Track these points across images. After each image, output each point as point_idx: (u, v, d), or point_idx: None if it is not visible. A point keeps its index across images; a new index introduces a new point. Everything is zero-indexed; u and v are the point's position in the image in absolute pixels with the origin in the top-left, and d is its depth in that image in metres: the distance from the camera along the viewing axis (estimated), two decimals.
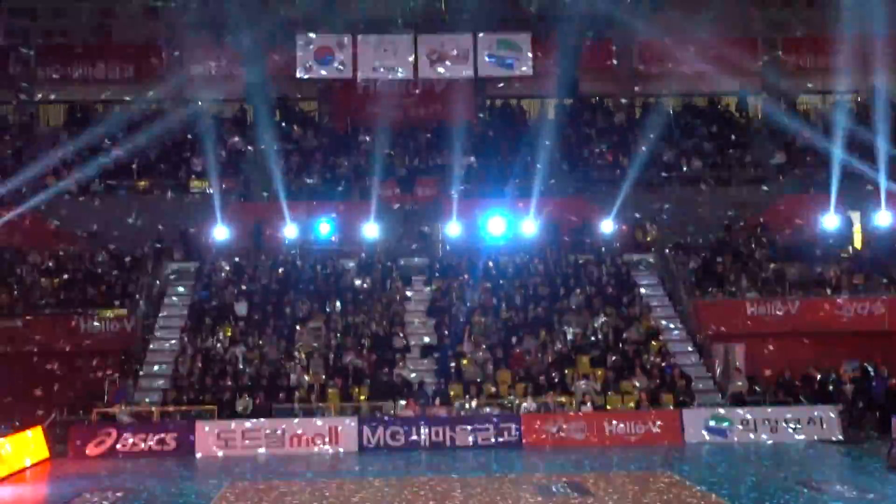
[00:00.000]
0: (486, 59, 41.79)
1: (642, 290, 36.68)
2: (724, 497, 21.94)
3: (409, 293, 36.50)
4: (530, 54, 41.57)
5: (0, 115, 43.77)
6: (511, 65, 42.07)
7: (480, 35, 41.04)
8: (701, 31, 38.66)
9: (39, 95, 44.00)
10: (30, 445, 29.24)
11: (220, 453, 29.60)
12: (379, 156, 37.71)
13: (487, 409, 31.13)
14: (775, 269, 36.24)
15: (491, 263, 36.94)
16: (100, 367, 32.80)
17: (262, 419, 30.38)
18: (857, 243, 39.00)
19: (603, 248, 37.60)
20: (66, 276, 35.78)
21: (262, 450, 29.59)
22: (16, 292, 34.78)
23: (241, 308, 34.43)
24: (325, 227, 37.29)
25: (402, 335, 34.13)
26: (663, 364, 33.10)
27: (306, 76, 41.45)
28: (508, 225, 37.44)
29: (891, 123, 38.74)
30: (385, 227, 36.97)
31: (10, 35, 39.82)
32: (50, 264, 36.29)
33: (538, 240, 37.47)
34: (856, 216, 39.41)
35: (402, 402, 31.01)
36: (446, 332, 34.02)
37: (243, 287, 35.47)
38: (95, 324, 34.00)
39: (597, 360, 33.01)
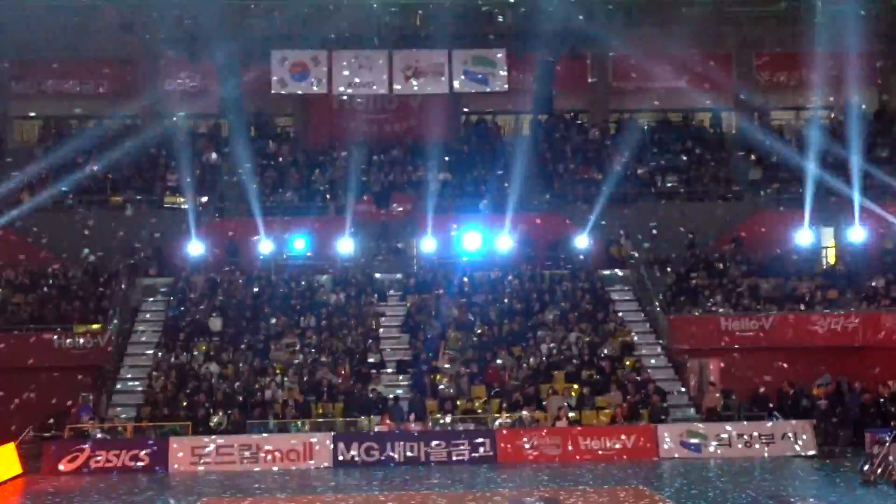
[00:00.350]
0: (461, 75, 41.90)
1: (617, 306, 36.78)
2: None
3: (383, 309, 36.47)
4: (505, 71, 41.65)
5: None
6: (486, 81, 42.15)
7: (455, 51, 41.14)
8: (674, 48, 38.81)
9: (12, 110, 43.91)
10: (2, 462, 29.21)
11: (194, 469, 29.60)
12: (354, 171, 37.75)
13: (462, 425, 31.22)
14: (749, 285, 36.39)
15: (466, 279, 37.06)
16: (74, 383, 32.74)
17: (236, 435, 30.41)
18: (831, 259, 39.19)
19: (578, 264, 37.67)
20: (39, 292, 35.66)
21: (236, 466, 29.60)
22: None
23: (216, 324, 34.47)
24: (299, 243, 37.35)
25: (376, 351, 34.15)
26: (638, 379, 33.20)
27: (282, 92, 41.46)
28: (483, 240, 37.58)
29: (863, 139, 38.96)
30: (360, 243, 37.07)
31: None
32: (24, 280, 36.17)
33: (513, 255, 37.63)
34: (829, 232, 39.60)
35: (377, 418, 31.08)
36: (421, 348, 34.07)
37: (217, 303, 35.47)
38: (69, 340, 33.97)
39: (572, 375, 33.14)
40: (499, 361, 33.61)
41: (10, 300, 35.19)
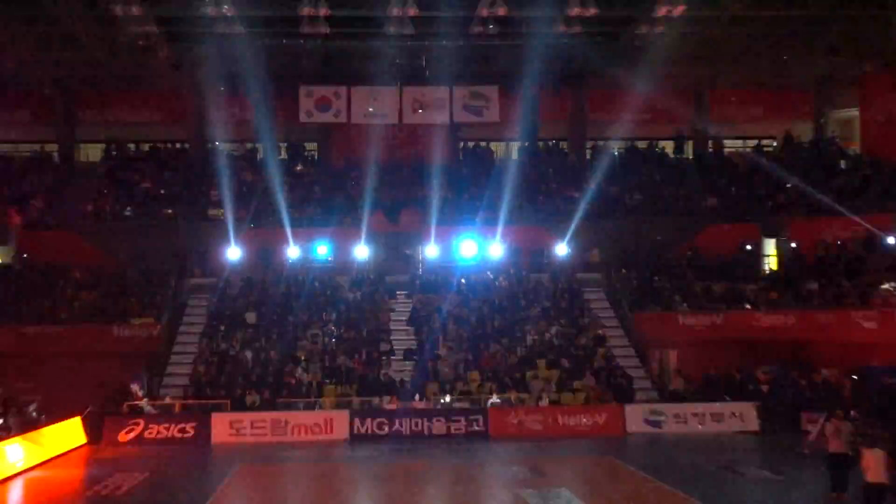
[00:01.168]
0: (460, 108, 42.08)
1: (590, 305, 37.04)
2: (658, 479, 22.16)
3: (393, 305, 36.66)
4: (497, 104, 41.88)
5: (45, 152, 43.70)
6: (481, 113, 42.37)
7: (456, 88, 41.32)
8: (641, 86, 38.88)
9: (79, 135, 44.08)
10: (70, 433, 29.39)
11: (233, 440, 29.76)
12: (368, 189, 37.87)
13: (459, 404, 31.39)
14: (704, 287, 36.52)
15: (463, 280, 37.16)
16: (130, 367, 32.86)
17: (268, 412, 30.59)
18: (773, 265, 39.30)
19: (557, 269, 37.85)
20: (101, 290, 35.82)
21: (267, 437, 29.76)
22: (57, 303, 34.85)
23: (251, 317, 34.71)
24: (322, 249, 37.57)
25: (387, 341, 34.33)
26: (608, 366, 33.37)
27: (308, 121, 41.69)
28: (478, 248, 37.74)
29: (799, 164, 39.19)
30: (373, 250, 37.21)
31: (55, 83, 39.76)
32: (89, 279, 36.33)
33: (503, 261, 37.72)
34: (772, 242, 39.73)
35: (387, 398, 31.21)
36: (425, 339, 34.29)
37: (252, 299, 35.67)
38: (126, 331, 34.15)
39: (552, 362, 33.31)
40: (491, 350, 33.75)
41: (78, 296, 35.32)
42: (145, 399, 31.37)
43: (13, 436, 25.80)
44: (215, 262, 36.58)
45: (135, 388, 31.59)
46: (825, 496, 19.92)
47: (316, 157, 42.04)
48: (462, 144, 44.14)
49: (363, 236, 37.01)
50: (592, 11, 33.16)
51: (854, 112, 43.93)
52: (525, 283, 37.57)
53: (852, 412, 25.01)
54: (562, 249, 37.47)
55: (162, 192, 40.66)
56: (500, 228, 37.28)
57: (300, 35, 35.40)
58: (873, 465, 17.62)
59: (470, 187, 40.01)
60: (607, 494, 21.35)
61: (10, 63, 35.59)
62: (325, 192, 38.64)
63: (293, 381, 31.97)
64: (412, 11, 32.92)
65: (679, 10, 32.57)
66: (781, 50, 39.85)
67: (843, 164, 42.30)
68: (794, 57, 40.49)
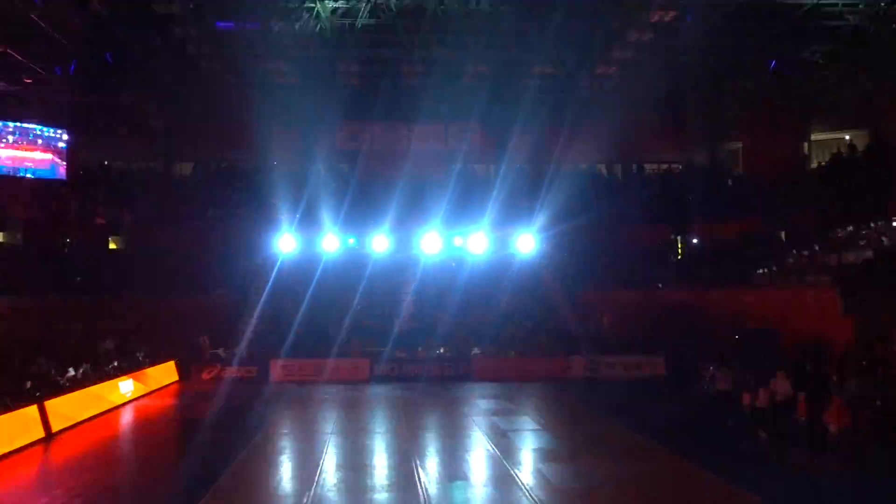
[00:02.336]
0: (452, 139, 42.23)
1: (548, 285, 36.96)
2: (595, 408, 22.44)
3: (406, 281, 36.51)
4: (479, 136, 42.02)
5: (151, 167, 43.95)
6: (467, 141, 42.50)
7: (449, 124, 41.48)
8: (581, 122, 39.02)
9: (176, 156, 44.36)
10: (167, 373, 29.78)
11: (285, 379, 30.07)
12: (384, 199, 37.82)
13: (451, 354, 31.66)
14: (630, 271, 36.71)
15: (454, 264, 37.26)
16: (212, 325, 33.05)
17: (310, 359, 30.82)
18: (679, 255, 39.55)
19: (527, 259, 37.73)
20: (190, 269, 35.98)
21: (310, 377, 30.05)
22: (158, 279, 35.10)
23: (299, 291, 34.62)
24: (351, 241, 37.52)
25: (398, 308, 34.44)
26: (558, 328, 33.62)
27: (343, 147, 41.85)
28: (472, 244, 37.54)
29: (698, 181, 39.52)
30: (393, 241, 37.07)
31: (160, 118, 39.92)
32: (184, 261, 36.54)
33: (489, 252, 37.53)
34: (679, 238, 40.00)
35: (398, 349, 31.47)
36: (428, 305, 34.33)
37: (300, 277, 35.62)
38: (208, 300, 34.39)
39: (520, 324, 33.49)
40: (475, 315, 33.91)
41: (174, 274, 35.51)
42: (221, 349, 31.68)
43: (127, 374, 26.12)
44: (272, 250, 36.63)
45: (204, 340, 31.94)
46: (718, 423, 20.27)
47: (347, 174, 41.95)
48: (455, 165, 44.06)
49: (384, 231, 37.02)
50: (549, 70, 33.46)
51: (738, 144, 44.21)
52: (504, 267, 36.94)
53: (736, 363, 25.38)
54: (529, 244, 37.43)
55: (235, 198, 40.85)
56: (482, 230, 37.24)
57: (339, 82, 35.73)
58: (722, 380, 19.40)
59: (460, 198, 39.92)
60: (555, 418, 21.71)
61: (129, 105, 35.82)
62: (354, 201, 38.59)
63: (329, 337, 32.17)
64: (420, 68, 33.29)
65: (613, 70, 32.85)
66: (692, 105, 40.30)
67: (729, 182, 42.52)
68: (699, 108, 40.87)
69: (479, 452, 17.55)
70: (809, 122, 41.94)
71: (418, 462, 16.28)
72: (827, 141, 43.13)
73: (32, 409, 19.26)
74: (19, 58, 32.15)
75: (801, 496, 13.62)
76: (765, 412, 19.34)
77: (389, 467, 16.16)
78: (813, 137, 43.00)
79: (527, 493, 13.75)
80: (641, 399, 25.32)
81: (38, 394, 20.39)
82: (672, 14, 26.13)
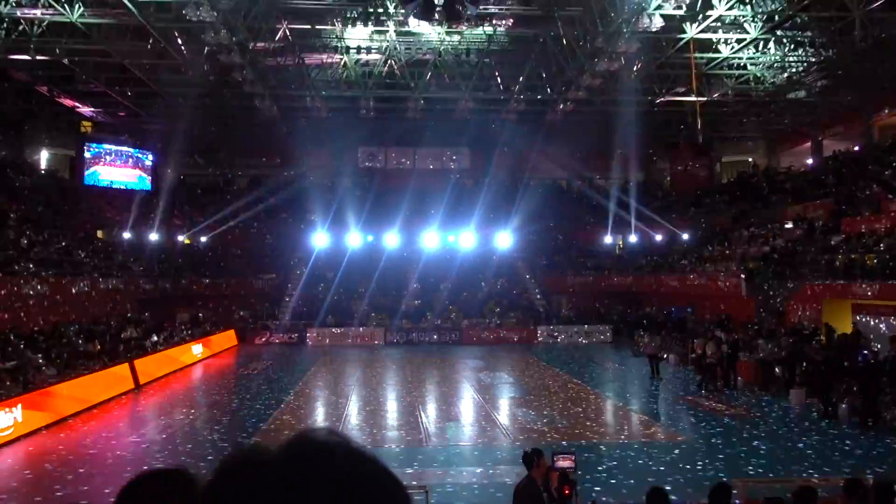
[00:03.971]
0: (448, 159, 42.23)
1: (520, 271, 37.00)
2: (554, 365, 22.49)
3: (411, 269, 36.50)
4: (468, 157, 42.00)
5: (211, 181, 43.82)
6: (459, 161, 42.49)
7: (445, 148, 41.49)
8: (547, 147, 39.03)
9: (229, 173, 44.26)
10: (228, 338, 29.80)
11: (320, 343, 30.13)
12: (396, 206, 37.74)
13: (445, 325, 31.72)
14: (583, 261, 36.85)
15: (448, 256, 37.28)
16: (261, 302, 33.11)
17: (340, 328, 30.90)
18: (619, 249, 39.58)
19: (504, 252, 37.71)
20: (245, 258, 36.05)
21: (339, 341, 30.13)
22: (221, 266, 35.11)
23: (330, 276, 34.66)
24: (370, 238, 37.50)
25: (407, 290, 34.48)
26: (528, 304, 33.70)
27: (363, 165, 41.79)
28: (463, 241, 37.55)
29: (636, 194, 39.50)
30: (401, 239, 37.10)
31: (219, 141, 39.80)
32: (240, 253, 36.58)
33: (475, 247, 37.51)
34: (620, 238, 40.02)
35: (405, 321, 31.54)
36: (428, 290, 34.37)
37: (331, 265, 35.60)
38: (259, 281, 34.43)
39: (499, 303, 33.56)
40: (463, 295, 34.01)
41: (233, 262, 35.54)
42: (270, 320, 31.72)
43: (197, 340, 26.19)
44: (309, 245, 36.64)
45: (243, 313, 31.95)
46: (648, 378, 20.40)
47: (367, 188, 41.85)
48: (451, 180, 43.99)
49: (395, 230, 37.05)
50: (522, 107, 33.47)
51: (666, 164, 44.27)
52: (485, 259, 37.04)
53: (662, 331, 25.51)
54: (506, 241, 37.44)
55: (280, 204, 40.80)
56: (471, 230, 37.25)
57: (361, 115, 35.73)
58: (647, 346, 19.69)
59: (456, 207, 39.84)
60: (525, 373, 21.80)
61: (199, 132, 35.82)
62: (372, 207, 38.57)
63: (353, 311, 32.25)
64: (423, 105, 33.28)
65: (571, 106, 32.84)
66: (631, 133, 40.29)
67: (660, 193, 42.62)
68: (637, 136, 40.84)
69: (467, 399, 17.66)
70: (720, 148, 42.11)
71: (420, 407, 16.38)
72: (734, 162, 43.33)
73: (125, 367, 19.33)
74: (116, 97, 32.16)
75: (702, 430, 13.75)
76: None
77: (398, 411, 16.24)
78: (723, 159, 43.19)
79: (503, 431, 13.85)
80: (591, 359, 25.42)
81: (129, 354, 20.45)
82: (616, 64, 26.13)
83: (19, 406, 13.68)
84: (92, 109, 33.97)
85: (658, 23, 22.02)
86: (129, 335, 22.90)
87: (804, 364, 16.82)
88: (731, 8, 22.62)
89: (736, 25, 24.84)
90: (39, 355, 17.32)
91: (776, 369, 18.11)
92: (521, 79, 30.99)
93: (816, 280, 21.95)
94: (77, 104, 32.31)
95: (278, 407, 16.27)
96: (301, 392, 18.71)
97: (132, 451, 12.61)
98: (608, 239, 39.75)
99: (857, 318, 19.84)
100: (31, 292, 20.65)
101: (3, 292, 19.42)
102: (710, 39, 26.21)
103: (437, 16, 20.48)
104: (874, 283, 18.96)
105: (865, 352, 16.06)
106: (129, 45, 26.29)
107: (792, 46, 26.26)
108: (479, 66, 29.90)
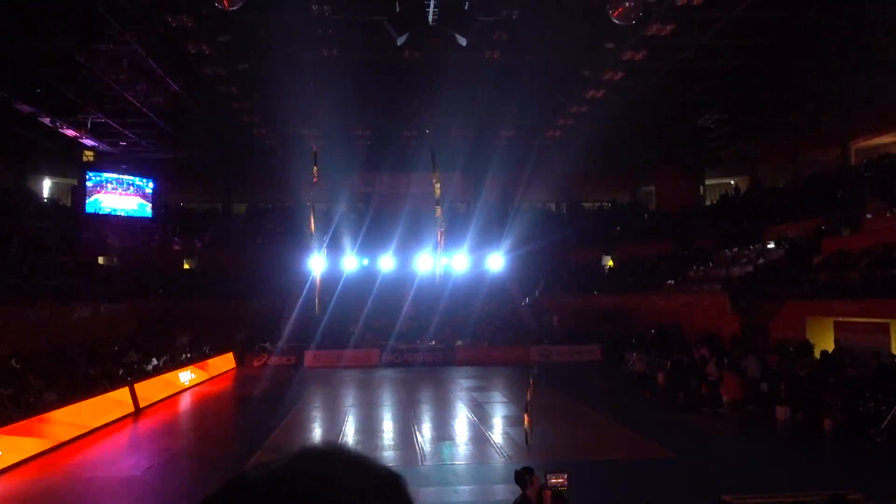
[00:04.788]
0: (440, 184, 42.20)
1: (512, 292, 36.93)
2: (547, 385, 22.37)
3: (406, 292, 36.34)
4: (460, 182, 42.11)
5: (214, 207, 43.84)
6: (452, 186, 42.58)
7: (437, 174, 41.49)
8: (535, 171, 39.21)
9: (233, 201, 44.27)
10: (227, 362, 29.57)
11: (316, 365, 29.90)
12: (391, 230, 37.76)
13: (439, 346, 31.54)
14: (573, 282, 36.77)
15: (442, 278, 37.12)
16: (260, 325, 32.89)
17: (335, 349, 30.69)
18: (608, 267, 39.60)
19: (496, 274, 37.53)
20: (244, 283, 35.81)
21: (335, 363, 29.90)
22: (219, 289, 34.90)
23: (326, 301, 34.41)
24: (365, 261, 37.41)
25: (402, 312, 34.29)
26: (520, 323, 33.60)
27: (360, 191, 41.87)
28: (456, 263, 37.46)
29: (625, 216, 39.70)
30: (396, 261, 37.05)
31: (220, 168, 39.61)
32: (237, 277, 36.35)
33: (468, 269, 37.41)
34: (609, 258, 40.11)
35: (400, 343, 31.38)
36: (421, 311, 34.21)
37: (327, 288, 35.35)
38: (256, 305, 34.21)
39: (491, 323, 33.47)
40: (457, 317, 33.81)
41: (231, 286, 35.33)
42: (268, 342, 31.46)
43: (196, 364, 25.99)
44: (306, 268, 36.50)
45: (243, 337, 31.74)
46: (638, 395, 20.33)
47: (364, 211, 41.90)
48: (444, 204, 43.96)
49: (390, 254, 37.02)
50: (511, 133, 33.72)
51: (652, 187, 44.49)
52: (477, 282, 36.74)
53: (652, 350, 25.48)
54: (499, 262, 37.47)
55: (278, 230, 40.76)
56: (463, 254, 37.21)
57: (356, 143, 35.93)
58: (638, 363, 19.40)
59: (448, 229, 39.80)
60: (518, 393, 21.68)
61: (198, 161, 35.84)
62: (367, 231, 38.56)
63: (350, 333, 32.07)
64: (416, 133, 33.51)
65: (558, 133, 33.13)
66: (617, 158, 40.65)
67: (646, 215, 42.79)
68: (622, 160, 41.18)
69: (461, 419, 17.53)
70: (704, 171, 42.40)
71: (416, 427, 16.25)
72: (718, 185, 43.64)
73: (125, 391, 19.14)
74: (117, 126, 32.22)
75: (693, 446, 13.69)
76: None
77: (394, 431, 16.11)
78: (707, 182, 43.48)
79: (497, 450, 13.75)
80: (582, 378, 25.33)
81: (129, 378, 20.26)
82: (602, 92, 26.39)
83: (17, 432, 13.52)
84: (94, 140, 33.99)
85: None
86: (129, 359, 22.71)
87: (789, 380, 16.81)
88: (713, 37, 22.90)
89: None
90: (42, 380, 17.15)
91: (761, 385, 18.08)
92: (510, 106, 31.23)
93: (798, 298, 22.02)
94: (79, 134, 32.33)
95: (276, 428, 16.12)
96: (298, 413, 18.55)
97: (129, 475, 12.45)
98: (596, 259, 39.85)
99: (840, 335, 19.87)
100: (34, 318, 20.51)
101: (5, 318, 19.28)
102: (693, 68, 26.52)
103: (426, 47, 20.66)
104: (855, 301, 19.04)
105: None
106: (128, 76, 26.42)
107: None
108: (470, 95, 30.15)
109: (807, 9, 20.96)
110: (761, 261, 27.12)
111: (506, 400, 20.48)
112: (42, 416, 14.69)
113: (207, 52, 21.97)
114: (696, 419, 16.64)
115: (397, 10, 19.57)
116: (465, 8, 19.47)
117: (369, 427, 16.50)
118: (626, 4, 17.85)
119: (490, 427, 16.23)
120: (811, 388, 15.26)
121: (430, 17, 18.93)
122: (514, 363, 29.93)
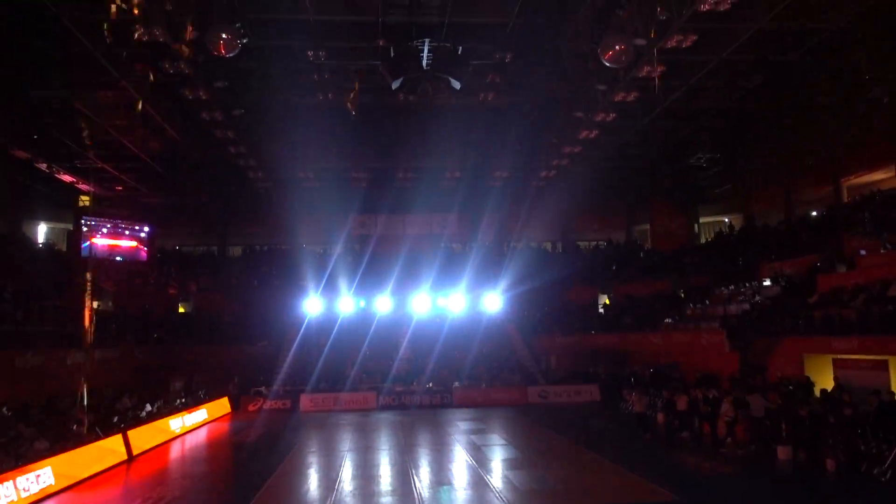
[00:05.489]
0: (437, 225, 42.50)
1: (510, 334, 36.66)
2: (546, 427, 22.18)
3: (403, 333, 36.05)
4: (456, 223, 42.33)
5: (209, 250, 43.92)
6: (447, 227, 42.77)
7: (432, 214, 41.80)
8: (531, 212, 39.57)
9: (229, 243, 44.40)
10: (222, 406, 29.23)
11: (312, 408, 29.55)
12: (387, 271, 37.82)
13: (437, 387, 31.22)
14: (569, 321, 36.67)
15: (438, 319, 37.02)
16: (254, 369, 32.62)
17: (331, 392, 30.38)
18: (603, 307, 39.58)
19: (494, 316, 37.35)
20: (239, 327, 35.66)
21: (331, 407, 29.55)
22: (214, 333, 34.71)
23: (322, 341, 34.22)
24: (362, 303, 37.25)
25: (398, 352, 34.10)
26: (518, 364, 33.36)
27: (356, 233, 41.99)
28: (452, 304, 37.34)
29: (618, 255, 39.87)
30: (393, 303, 36.98)
31: (227, 213, 39.75)
32: (230, 320, 36.23)
33: (465, 309, 37.30)
34: (605, 296, 40.12)
35: (397, 384, 31.07)
36: (419, 352, 33.97)
37: (322, 331, 35.23)
38: (251, 348, 34.00)
39: (487, 364, 33.16)
40: (454, 357, 33.57)
41: (226, 330, 35.14)
42: (262, 386, 31.10)
43: (191, 409, 25.71)
44: (302, 310, 36.42)
45: (235, 381, 31.29)
46: (638, 436, 20.13)
47: (360, 254, 41.93)
48: (439, 245, 44.07)
49: (387, 296, 36.97)
50: (506, 174, 34.02)
51: (647, 226, 44.75)
52: (474, 324, 36.20)
53: (650, 389, 25.30)
54: (496, 303, 37.44)
55: (273, 272, 40.72)
56: (459, 293, 37.25)
57: (350, 186, 36.20)
58: (637, 404, 19.30)
59: (444, 270, 39.69)
60: (517, 436, 21.46)
61: (193, 204, 35.99)
62: (366, 273, 38.53)
63: (346, 376, 31.82)
64: (411, 175, 33.81)
65: (553, 173, 33.43)
66: (611, 197, 41.07)
67: (641, 254, 42.93)
68: (617, 199, 41.58)
69: (459, 463, 17.29)
70: (698, 209, 42.74)
71: (414, 471, 16.03)
72: (712, 223, 43.94)
73: (118, 438, 18.88)
74: (114, 171, 32.44)
75: (695, 487, 13.52)
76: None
77: (392, 476, 15.87)
78: (701, 220, 43.79)
79: (497, 495, 13.55)
80: (581, 419, 25.07)
81: (122, 425, 20.01)
82: (595, 132, 26.73)
83: (9, 483, 13.29)
84: (90, 185, 34.19)
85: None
86: (123, 405, 22.46)
87: (790, 419, 16.68)
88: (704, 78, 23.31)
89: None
90: (33, 428, 16.92)
91: (766, 423, 17.92)
92: (505, 148, 31.61)
93: (796, 335, 21.99)
94: (75, 180, 32.51)
95: (272, 474, 15.89)
96: (294, 458, 18.29)
97: None
98: (593, 299, 39.84)
99: (839, 372, 19.81)
100: (26, 366, 20.33)
101: None
102: (685, 108, 26.95)
103: (421, 90, 20.95)
104: (852, 338, 19.02)
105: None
106: (125, 120, 26.72)
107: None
108: (465, 135, 30.53)
109: (794, 51, 21.40)
110: (758, 298, 27.15)
111: (505, 442, 20.24)
112: (32, 464, 14.47)
113: (204, 98, 22.24)
114: (697, 460, 16.46)
115: (392, 54, 19.96)
116: (459, 52, 19.86)
117: (366, 472, 16.27)
118: (617, 47, 18.20)
119: (489, 471, 16.01)
120: (812, 427, 15.14)
121: (425, 62, 19.27)
122: (512, 404, 29.68)
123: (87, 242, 35.91)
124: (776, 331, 23.53)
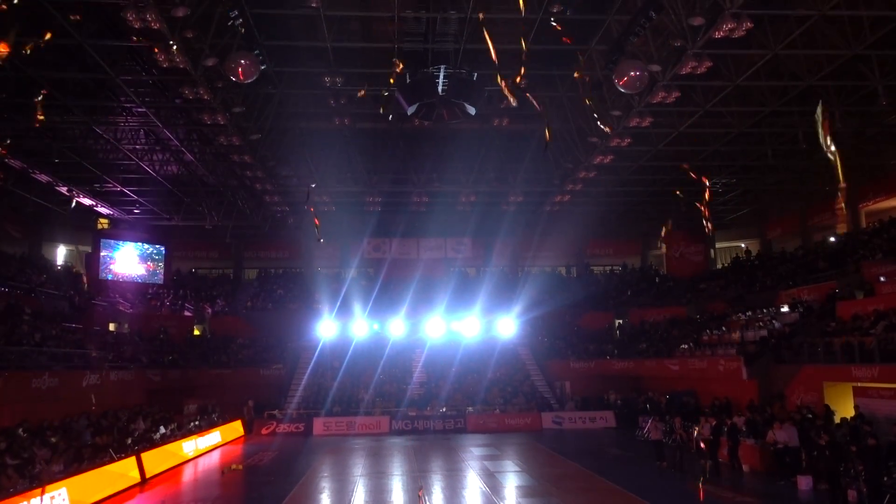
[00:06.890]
0: (451, 249, 42.59)
1: (524, 358, 36.41)
2: (560, 453, 21.95)
3: (416, 356, 36.07)
4: (470, 246, 42.39)
5: (225, 273, 44.18)
6: (460, 251, 42.86)
7: (447, 238, 41.90)
8: (545, 236, 39.61)
9: (245, 266, 44.66)
10: (235, 429, 29.22)
11: (325, 433, 29.46)
12: (401, 295, 37.94)
13: (450, 412, 31.03)
14: (584, 346, 36.42)
15: (453, 343, 36.88)
16: (268, 392, 32.58)
17: (344, 416, 30.29)
18: (617, 332, 39.23)
19: (507, 340, 37.22)
20: (254, 349, 35.75)
21: (344, 431, 29.45)
22: (230, 356, 34.76)
23: (336, 364, 34.21)
24: (376, 326, 37.23)
25: (411, 376, 33.99)
26: (532, 390, 33.12)
27: (369, 256, 42.13)
28: (466, 328, 37.23)
29: (634, 280, 39.65)
30: (406, 328, 36.95)
31: (232, 236, 40.08)
32: (248, 343, 36.28)
33: (479, 334, 37.12)
34: (619, 321, 39.83)
35: (411, 409, 30.94)
36: (432, 376, 33.89)
37: (337, 353, 35.25)
38: (267, 372, 34.00)
39: (502, 389, 32.96)
40: (468, 383, 33.39)
41: (241, 353, 35.20)
42: (276, 410, 31.05)
43: (204, 432, 25.70)
44: (316, 334, 36.40)
45: (250, 404, 31.39)
46: (654, 464, 19.86)
47: (373, 277, 42.05)
48: (452, 269, 44.06)
49: (400, 319, 36.96)
50: (521, 199, 34.07)
51: (662, 251, 44.57)
52: (489, 348, 36.11)
53: (666, 416, 24.97)
54: (509, 328, 37.30)
55: (288, 295, 40.86)
56: (474, 317, 37.18)
57: (365, 210, 36.43)
58: (654, 431, 19.12)
59: (459, 294, 39.59)
60: (531, 462, 21.25)
61: (210, 228, 36.25)
62: (378, 296, 38.58)
63: (359, 399, 31.75)
64: (426, 199, 33.97)
65: (567, 198, 33.47)
66: (626, 222, 41.01)
67: (657, 279, 42.69)
68: (632, 224, 41.51)
69: (473, 489, 17.14)
70: (714, 234, 42.51)
71: (427, 497, 15.90)
72: (728, 248, 43.69)
73: (132, 460, 18.91)
74: (132, 194, 32.83)
75: None
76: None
77: (405, 502, 15.76)
78: (717, 245, 43.56)
79: None
80: (596, 445, 24.80)
81: (136, 448, 20.04)
82: (609, 157, 26.75)
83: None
84: (108, 208, 34.58)
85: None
86: (137, 427, 22.49)
87: (810, 449, 16.40)
88: (719, 104, 23.34)
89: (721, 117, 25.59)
90: (47, 450, 16.97)
91: (787, 455, 17.64)
92: (520, 172, 31.72)
93: (815, 362, 21.70)
94: (94, 203, 32.92)
95: (284, 498, 15.82)
96: (307, 482, 18.21)
97: None
98: (608, 324, 39.57)
99: (860, 400, 19.49)
100: (43, 387, 20.45)
101: (14, 387, 19.24)
102: (700, 134, 26.93)
103: (435, 116, 21.12)
104: (873, 366, 18.74)
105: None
106: (144, 146, 27.11)
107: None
108: (480, 159, 30.71)
109: (810, 77, 21.39)
110: (776, 324, 26.86)
111: (519, 469, 20.05)
112: (48, 485, 14.50)
113: (222, 123, 22.53)
114: (717, 490, 16.21)
115: (407, 80, 20.17)
116: (474, 79, 20.03)
117: (379, 498, 16.15)
118: (632, 74, 18.29)
119: (502, 498, 15.85)
120: (832, 457, 14.88)
121: (440, 88, 19.44)
122: (526, 430, 29.44)
123: (105, 265, 36.29)
124: (795, 358, 23.23)
